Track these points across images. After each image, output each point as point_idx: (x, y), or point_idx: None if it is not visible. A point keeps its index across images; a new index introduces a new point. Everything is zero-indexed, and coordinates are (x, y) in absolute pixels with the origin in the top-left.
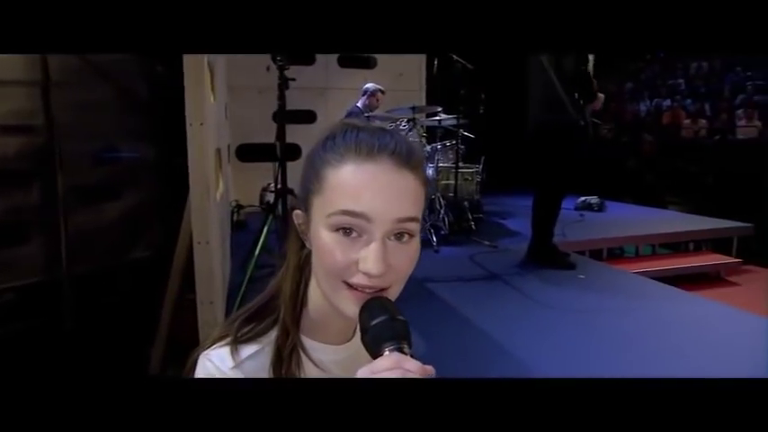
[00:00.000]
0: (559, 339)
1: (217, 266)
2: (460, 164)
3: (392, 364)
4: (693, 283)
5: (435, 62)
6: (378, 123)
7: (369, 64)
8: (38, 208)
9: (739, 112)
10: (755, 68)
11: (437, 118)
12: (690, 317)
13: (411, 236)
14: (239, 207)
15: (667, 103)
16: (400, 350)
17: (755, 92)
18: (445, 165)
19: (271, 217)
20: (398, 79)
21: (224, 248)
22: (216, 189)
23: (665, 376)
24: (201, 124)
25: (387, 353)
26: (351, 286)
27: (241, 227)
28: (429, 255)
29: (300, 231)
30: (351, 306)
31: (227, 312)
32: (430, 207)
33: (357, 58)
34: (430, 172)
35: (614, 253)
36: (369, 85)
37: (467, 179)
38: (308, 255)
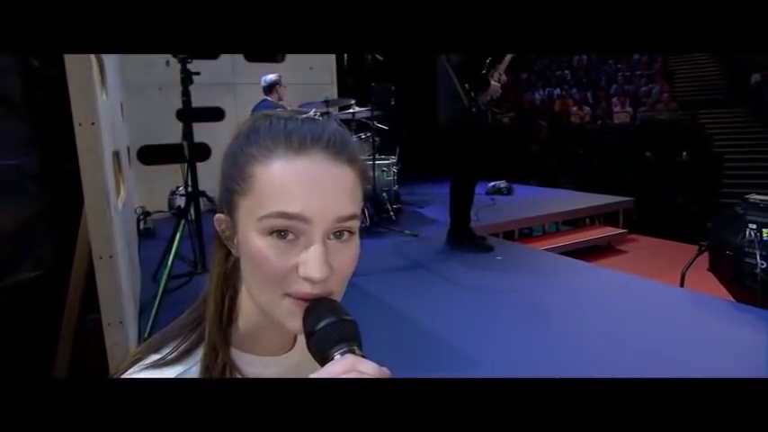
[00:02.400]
0: (487, 320)
1: (124, 282)
2: (377, 156)
3: (346, 368)
4: (591, 255)
5: (345, 55)
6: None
7: (276, 58)
8: None
9: (614, 99)
10: (623, 61)
11: (351, 111)
12: (594, 285)
13: (351, 234)
14: (146, 214)
15: (557, 92)
16: (352, 353)
17: (625, 82)
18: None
19: (183, 222)
20: (309, 73)
21: (131, 261)
22: (117, 196)
23: (593, 344)
24: (93, 124)
25: (338, 357)
26: (291, 296)
27: (149, 235)
28: None
29: (225, 238)
30: (294, 319)
31: (141, 331)
32: None
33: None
34: None
35: (524, 233)
36: (270, 77)
37: (384, 171)
38: (236, 263)
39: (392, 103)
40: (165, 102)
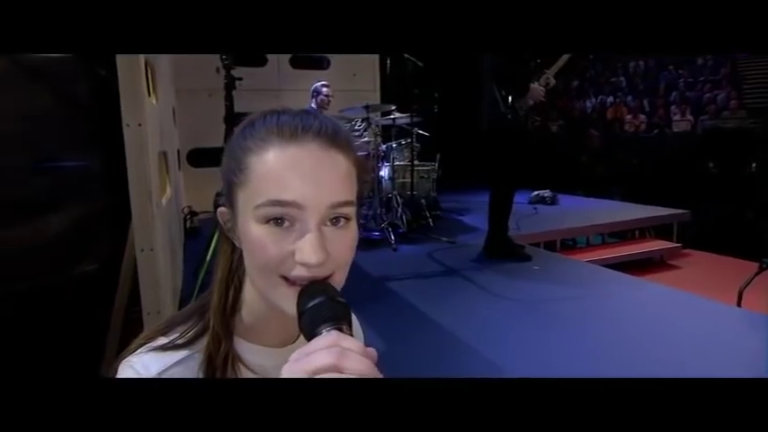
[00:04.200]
0: (520, 330)
1: (163, 274)
2: (416, 162)
3: (329, 343)
4: (641, 269)
5: (388, 62)
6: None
7: (322, 64)
8: None
9: (673, 107)
10: (686, 67)
11: (392, 117)
12: (640, 300)
13: (347, 220)
14: (192, 214)
15: (610, 99)
16: (339, 330)
17: (686, 88)
18: (401, 163)
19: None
20: (352, 79)
21: (174, 256)
22: (162, 193)
23: (625, 358)
24: (140, 125)
25: (324, 333)
26: (289, 281)
27: (194, 234)
28: (388, 253)
29: (227, 230)
30: (291, 303)
31: None
32: (387, 206)
33: (309, 59)
34: (386, 171)
35: (567, 244)
36: (315, 85)
37: (423, 177)
38: (240, 255)
39: (436, 109)
40: (214, 107)
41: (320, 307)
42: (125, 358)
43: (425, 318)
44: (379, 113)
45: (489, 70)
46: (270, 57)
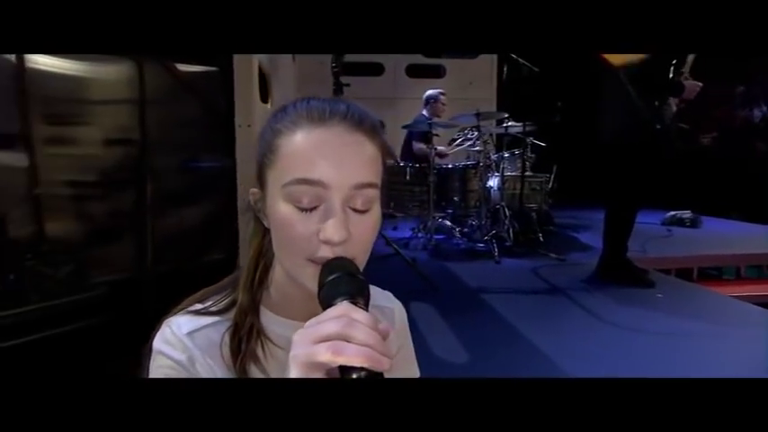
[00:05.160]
0: (625, 361)
1: None
2: (529, 173)
3: (339, 313)
4: None
5: (505, 68)
6: (441, 131)
7: (438, 72)
8: (130, 212)
9: None
10: None
11: (505, 125)
12: None
13: (370, 203)
14: None
15: None
16: (353, 303)
17: None
18: (512, 174)
19: None
20: (468, 88)
21: None
22: None
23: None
24: (249, 126)
25: (338, 304)
26: (313, 261)
27: None
28: (490, 266)
29: (257, 210)
30: (315, 282)
31: None
32: (494, 217)
33: (425, 67)
34: (495, 181)
35: (708, 273)
36: (430, 92)
37: (535, 189)
38: (268, 236)
39: (557, 119)
40: None
41: (338, 281)
42: (167, 318)
43: (517, 335)
44: (493, 122)
45: (628, 73)
46: (386, 66)
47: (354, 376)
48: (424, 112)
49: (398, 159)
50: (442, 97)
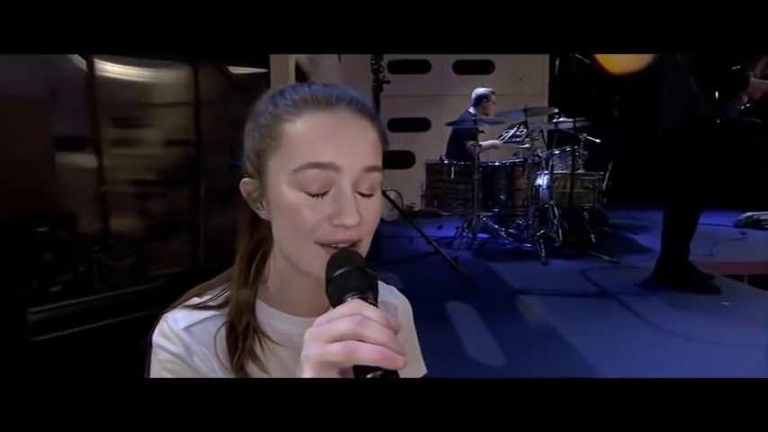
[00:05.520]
0: (679, 370)
1: None
2: (581, 171)
3: (351, 311)
4: None
5: (557, 63)
6: (487, 128)
7: (486, 68)
8: (185, 209)
9: None
10: None
11: (554, 121)
12: None
13: (375, 188)
14: None
15: None
16: (363, 300)
17: None
18: (562, 171)
19: None
20: (518, 83)
21: None
22: None
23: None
24: None
25: (348, 301)
26: (323, 246)
27: None
28: (536, 267)
29: (252, 201)
30: (321, 266)
31: None
32: (543, 217)
33: (473, 63)
34: (544, 179)
35: None
36: (480, 90)
37: (587, 187)
38: (262, 228)
39: (615, 114)
40: (382, 113)
41: (347, 275)
42: (165, 312)
43: (559, 338)
44: (544, 117)
45: (688, 65)
46: (433, 63)
47: (370, 376)
48: (471, 110)
49: (442, 157)
50: (492, 96)
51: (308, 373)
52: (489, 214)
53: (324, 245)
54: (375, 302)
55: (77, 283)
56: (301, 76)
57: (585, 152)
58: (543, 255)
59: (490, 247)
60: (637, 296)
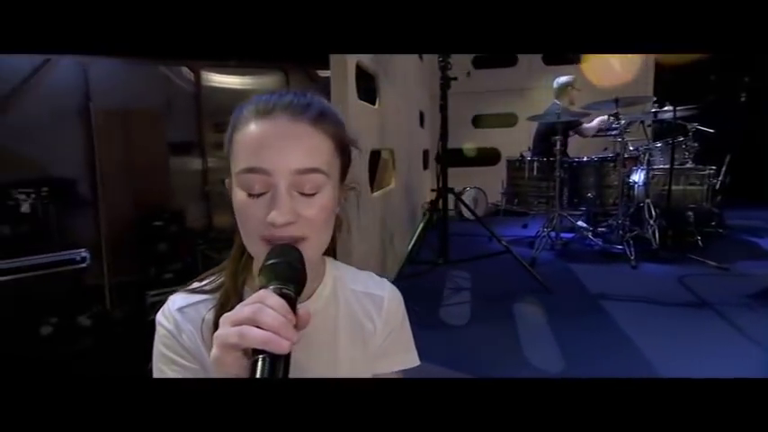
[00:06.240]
0: None
1: (357, 252)
2: (690, 165)
3: (255, 299)
4: None
5: None
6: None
7: (579, 57)
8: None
9: None
10: None
11: (653, 110)
12: None
13: (318, 188)
14: (433, 207)
15: None
16: (278, 290)
17: None
18: (663, 166)
19: (427, 215)
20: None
21: (385, 241)
22: (384, 185)
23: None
24: None
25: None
26: (265, 239)
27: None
28: (624, 270)
29: (229, 198)
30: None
31: None
32: (637, 217)
33: (564, 54)
34: (640, 175)
35: None
36: (562, 79)
37: (694, 183)
38: None
39: (742, 98)
40: (456, 109)
41: (274, 267)
42: (173, 294)
43: (635, 351)
44: (648, 107)
45: None
46: (521, 56)
47: (256, 358)
48: (558, 101)
49: (523, 154)
50: (575, 82)
51: (215, 351)
52: (577, 213)
53: (268, 240)
54: (292, 294)
55: (185, 272)
56: (363, 76)
57: (696, 144)
58: (633, 257)
59: (575, 247)
60: (744, 307)
